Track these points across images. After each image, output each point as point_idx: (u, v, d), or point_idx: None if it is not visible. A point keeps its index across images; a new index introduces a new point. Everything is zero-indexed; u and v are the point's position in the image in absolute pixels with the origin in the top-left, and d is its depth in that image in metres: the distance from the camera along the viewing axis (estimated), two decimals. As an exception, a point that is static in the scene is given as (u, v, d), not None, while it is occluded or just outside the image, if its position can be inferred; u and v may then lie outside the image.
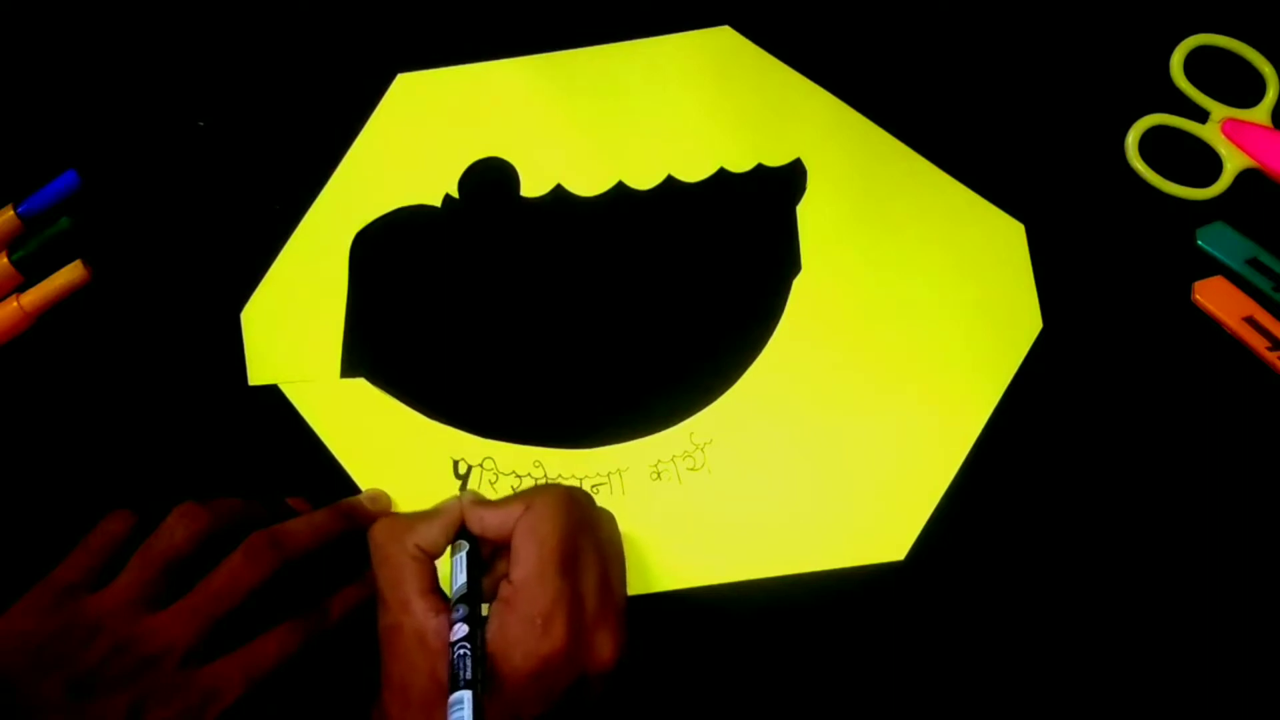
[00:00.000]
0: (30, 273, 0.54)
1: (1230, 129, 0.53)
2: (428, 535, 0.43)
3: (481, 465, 0.51)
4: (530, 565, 0.41)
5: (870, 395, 0.50)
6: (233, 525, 0.45)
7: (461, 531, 0.44)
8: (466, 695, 0.38)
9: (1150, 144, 0.53)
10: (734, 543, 0.49)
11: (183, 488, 0.46)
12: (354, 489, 0.50)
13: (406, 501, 0.50)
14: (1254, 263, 0.50)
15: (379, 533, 0.43)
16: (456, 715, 0.38)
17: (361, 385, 0.52)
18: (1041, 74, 0.55)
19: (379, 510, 0.49)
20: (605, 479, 0.50)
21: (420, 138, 0.56)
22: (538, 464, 0.51)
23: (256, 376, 0.52)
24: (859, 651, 0.47)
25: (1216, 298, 0.50)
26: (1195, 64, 0.54)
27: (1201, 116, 0.54)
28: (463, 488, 0.50)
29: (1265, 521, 0.48)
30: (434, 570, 0.43)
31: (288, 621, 0.45)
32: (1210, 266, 0.51)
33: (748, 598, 0.48)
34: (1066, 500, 0.48)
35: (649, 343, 0.52)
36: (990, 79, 0.55)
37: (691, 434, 0.50)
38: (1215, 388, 0.49)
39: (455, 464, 0.51)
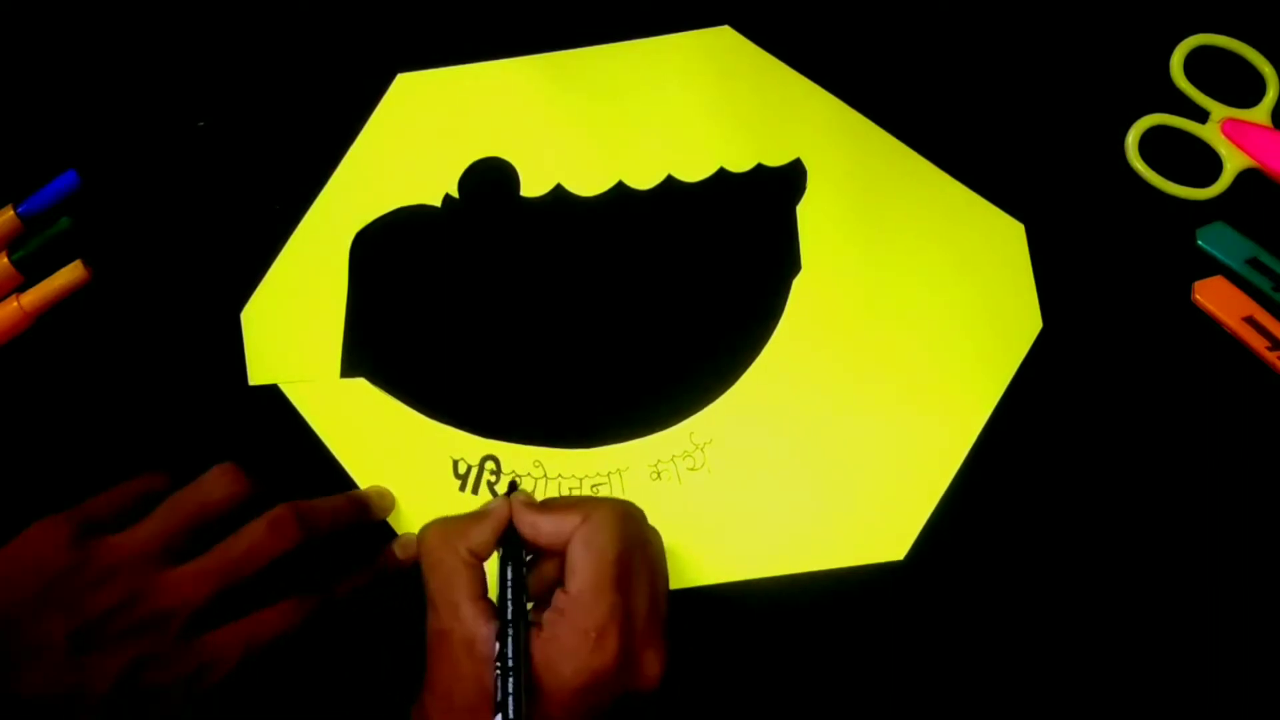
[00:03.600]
0: (30, 273, 0.54)
1: (1230, 129, 0.53)
2: (479, 539, 0.42)
3: (481, 465, 0.51)
4: (587, 578, 0.41)
5: (870, 395, 0.50)
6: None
7: (508, 533, 0.43)
8: None
9: (1150, 144, 0.53)
10: (734, 542, 0.49)
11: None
12: (354, 489, 0.50)
13: (407, 501, 0.50)
14: (1254, 263, 0.50)
15: (430, 537, 0.43)
16: None
17: (361, 385, 0.52)
18: (1041, 74, 0.55)
19: (383, 508, 0.49)
20: (605, 479, 0.50)
21: (420, 138, 0.56)
22: (538, 464, 0.51)
23: (256, 376, 0.52)
24: (859, 651, 0.47)
25: (1216, 298, 0.50)
26: (1195, 64, 0.54)
27: (1201, 116, 0.54)
28: (511, 489, 0.49)
29: (1265, 521, 0.48)
30: (484, 576, 0.42)
31: (293, 598, 0.44)
32: (1210, 266, 0.51)
33: (748, 597, 0.48)
34: (1066, 500, 0.48)
35: (649, 343, 0.52)
36: (990, 79, 0.55)
37: (691, 434, 0.50)
38: (1215, 388, 0.49)
39: (455, 464, 0.51)
